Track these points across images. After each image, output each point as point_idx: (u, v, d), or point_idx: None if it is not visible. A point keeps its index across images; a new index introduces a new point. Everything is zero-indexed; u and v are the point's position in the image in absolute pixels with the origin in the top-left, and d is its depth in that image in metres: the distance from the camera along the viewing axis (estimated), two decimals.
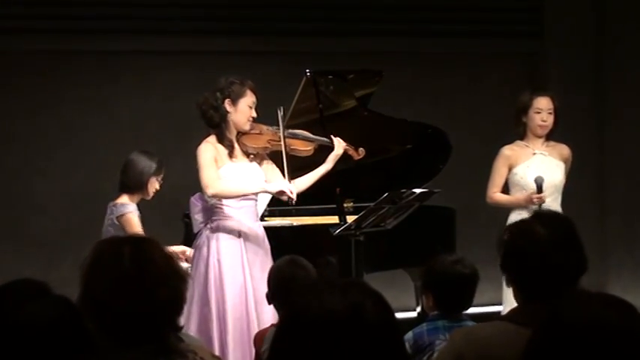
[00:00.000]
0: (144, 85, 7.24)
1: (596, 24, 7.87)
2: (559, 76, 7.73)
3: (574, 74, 7.73)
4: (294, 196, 4.80)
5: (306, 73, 5.35)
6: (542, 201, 5.32)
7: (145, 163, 5.11)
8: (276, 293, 3.87)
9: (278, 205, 5.55)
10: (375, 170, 5.92)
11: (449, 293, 3.53)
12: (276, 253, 4.92)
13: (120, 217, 5.02)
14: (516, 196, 5.52)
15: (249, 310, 4.71)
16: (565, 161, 5.62)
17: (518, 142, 5.59)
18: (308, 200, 5.42)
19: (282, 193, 4.82)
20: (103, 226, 5.12)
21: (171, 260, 2.13)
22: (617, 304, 1.73)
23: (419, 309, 6.06)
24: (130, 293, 2.04)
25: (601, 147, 7.87)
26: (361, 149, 5.21)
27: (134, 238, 2.28)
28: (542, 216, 2.56)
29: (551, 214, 2.48)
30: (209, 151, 4.81)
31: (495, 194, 5.59)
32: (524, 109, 5.52)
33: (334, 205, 5.37)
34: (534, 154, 5.53)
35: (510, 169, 5.55)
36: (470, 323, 3.51)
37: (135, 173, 5.09)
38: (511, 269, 2.47)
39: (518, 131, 5.57)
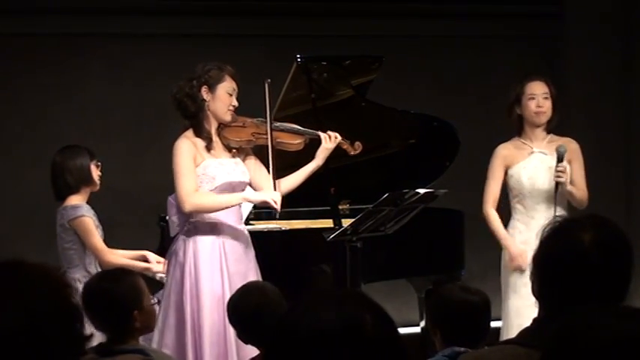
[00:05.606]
0: (114, 71, 7.27)
1: (625, 3, 7.91)
2: (582, 61, 7.77)
3: (598, 60, 7.77)
4: (278, 207, 4.85)
5: (297, 58, 5.39)
6: (563, 172, 5.31)
7: (76, 156, 5.17)
8: (243, 330, 3.88)
9: (265, 207, 5.59)
10: (374, 168, 5.97)
11: (461, 326, 3.46)
12: (263, 261, 4.98)
13: (72, 220, 5.07)
14: (504, 234, 5.47)
15: (227, 328, 4.64)
16: (572, 159, 5.53)
17: (516, 140, 5.55)
18: (299, 201, 5.46)
19: (265, 203, 4.90)
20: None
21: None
22: (637, 315, 1.74)
23: (422, 323, 6.12)
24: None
25: (628, 138, 7.91)
26: (358, 143, 5.24)
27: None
28: (588, 220, 2.49)
29: (600, 219, 2.45)
30: (187, 150, 4.83)
31: (489, 212, 5.53)
32: (517, 98, 5.48)
33: (328, 207, 5.42)
34: (532, 152, 5.49)
35: (507, 170, 5.53)
36: None
37: (73, 170, 5.13)
38: (543, 276, 2.41)
39: (514, 128, 5.51)
